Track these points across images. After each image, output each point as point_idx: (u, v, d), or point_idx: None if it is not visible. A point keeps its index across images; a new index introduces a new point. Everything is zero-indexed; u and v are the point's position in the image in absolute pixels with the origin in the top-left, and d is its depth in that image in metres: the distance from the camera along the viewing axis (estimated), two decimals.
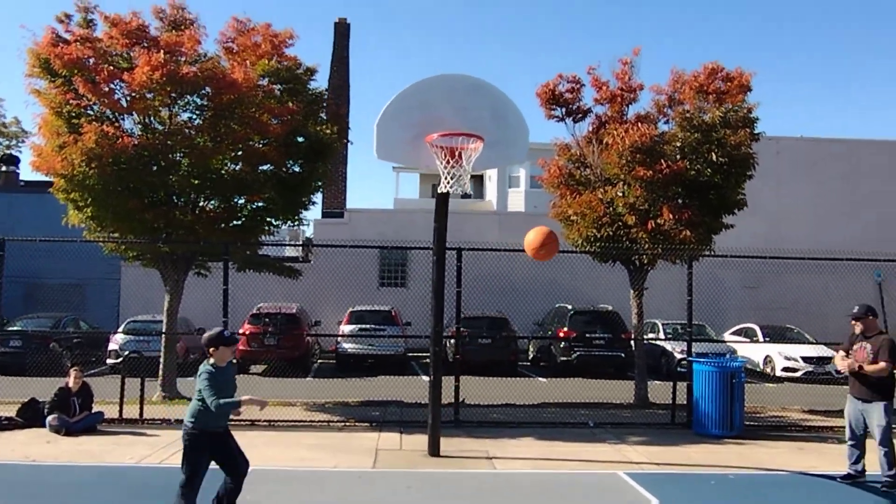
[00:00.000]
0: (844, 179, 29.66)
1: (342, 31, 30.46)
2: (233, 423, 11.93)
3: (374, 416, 13.10)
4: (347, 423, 12.37)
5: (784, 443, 11.65)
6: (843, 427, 12.80)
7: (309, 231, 35.90)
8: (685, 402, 12.95)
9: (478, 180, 50.56)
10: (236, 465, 6.84)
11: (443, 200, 10.07)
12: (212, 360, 6.63)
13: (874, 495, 8.70)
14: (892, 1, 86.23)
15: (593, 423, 12.71)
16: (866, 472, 9.17)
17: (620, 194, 14.41)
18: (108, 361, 19.55)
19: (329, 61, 29.95)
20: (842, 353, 9.29)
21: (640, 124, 14.56)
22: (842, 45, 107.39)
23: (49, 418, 11.19)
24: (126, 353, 19.00)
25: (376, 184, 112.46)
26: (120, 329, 20.72)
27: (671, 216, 13.95)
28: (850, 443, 9.23)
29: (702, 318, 25.15)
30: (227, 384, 6.61)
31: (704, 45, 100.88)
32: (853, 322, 9.09)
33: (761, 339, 22.82)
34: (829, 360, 21.79)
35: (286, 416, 12.74)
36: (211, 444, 6.67)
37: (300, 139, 14.31)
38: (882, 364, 8.72)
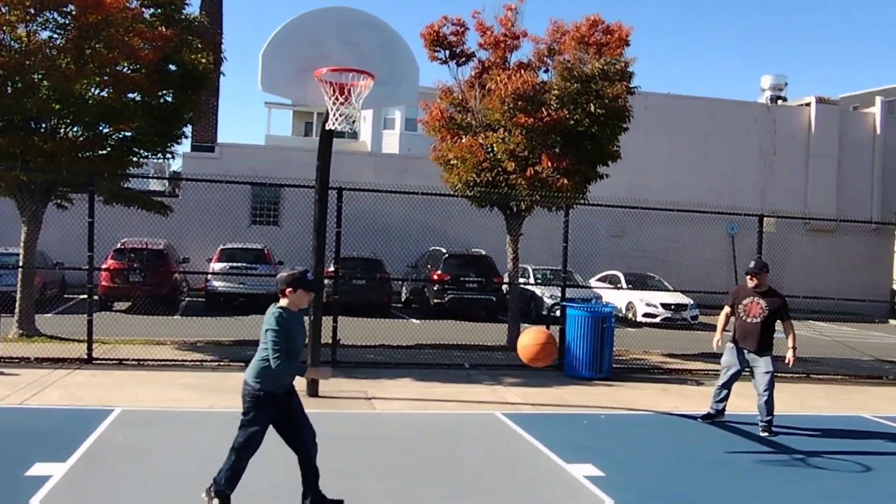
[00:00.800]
0: (702, 136, 31.07)
1: None
2: (98, 361, 11.58)
3: (248, 356, 12.76)
4: (221, 363, 12.09)
5: (648, 384, 12.27)
6: (701, 370, 13.72)
7: (176, 165, 34.50)
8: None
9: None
10: (300, 433, 5.93)
11: (327, 138, 9.83)
12: (283, 303, 5.68)
13: (730, 433, 9.29)
14: None
15: (469, 365, 12.97)
16: (725, 413, 9.72)
17: (501, 140, 14.51)
18: None
19: None
20: (727, 309, 9.65)
21: (522, 71, 14.66)
22: (706, 5, 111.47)
23: None
24: None
25: (247, 119, 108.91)
26: None
27: (550, 164, 14.20)
28: (722, 387, 9.58)
29: (570, 264, 26.08)
30: (298, 334, 5.81)
31: None
32: (749, 276, 9.31)
33: (624, 285, 23.80)
34: (685, 307, 23.07)
35: (156, 355, 12.33)
36: (276, 405, 5.82)
37: (173, 67, 13.61)
38: (791, 336, 9.22)
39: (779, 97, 33.72)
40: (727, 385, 9.62)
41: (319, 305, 10.33)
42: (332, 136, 9.67)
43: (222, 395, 9.95)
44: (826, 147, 31.79)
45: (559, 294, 22.21)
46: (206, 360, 12.22)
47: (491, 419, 9.48)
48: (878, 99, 32.92)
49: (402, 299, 24.69)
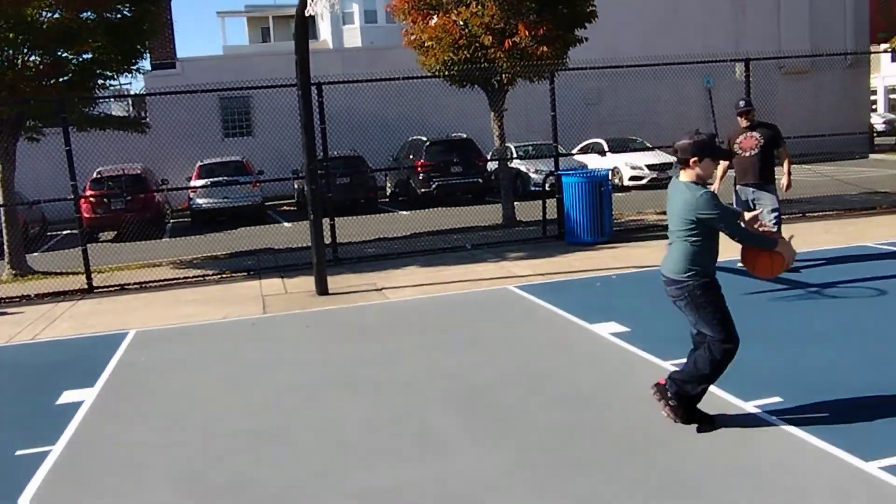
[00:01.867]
0: None
1: None
2: (99, 289, 11.44)
3: (248, 266, 12.74)
4: (224, 276, 11.98)
5: (651, 242, 12.30)
6: None
7: (136, 86, 33.47)
8: (552, 217, 13.35)
9: (310, 21, 48.40)
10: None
11: (303, 28, 9.45)
12: (688, 177, 4.86)
13: (742, 276, 9.31)
14: None
15: (471, 245, 12.92)
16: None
17: (475, 14, 14.04)
18: None
19: None
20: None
21: None
22: None
23: None
24: None
25: (200, 32, 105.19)
26: None
27: (527, 32, 13.82)
28: None
29: (548, 137, 25.85)
30: None
31: None
32: (740, 115, 9.41)
33: (607, 151, 23.63)
34: (669, 165, 22.96)
35: (156, 276, 12.17)
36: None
37: None
38: (787, 161, 9.47)
39: None
40: None
41: (318, 203, 10.14)
42: (306, 26, 9.29)
43: (233, 305, 9.89)
44: None
45: (543, 168, 22.29)
46: (207, 275, 12.10)
47: (506, 293, 9.49)
48: None
49: (388, 193, 24.50)
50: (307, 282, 10.60)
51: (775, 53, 28.24)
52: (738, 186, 9.53)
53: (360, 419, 5.57)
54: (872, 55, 33.83)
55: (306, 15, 8.62)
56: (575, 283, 9.83)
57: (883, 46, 28.28)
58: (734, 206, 9.60)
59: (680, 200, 4.82)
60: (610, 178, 22.68)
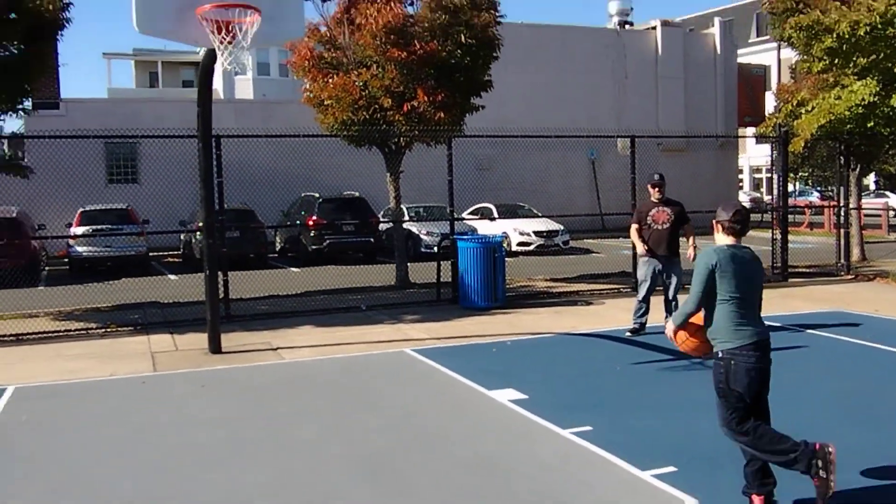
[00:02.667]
0: (558, 64, 31.67)
1: None
2: None
3: (135, 320, 12.29)
4: (109, 329, 11.49)
5: (542, 308, 12.64)
6: (586, 291, 14.24)
7: (14, 125, 31.97)
8: (446, 280, 13.53)
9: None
10: None
11: (206, 81, 9.36)
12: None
13: (629, 345, 9.71)
14: None
15: (366, 307, 12.91)
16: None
17: (375, 76, 14.27)
18: None
19: None
20: (636, 225, 10.12)
21: (391, 4, 14.38)
22: None
23: None
24: None
25: (84, 72, 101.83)
26: None
27: (426, 98, 14.12)
28: (642, 301, 10.16)
29: (442, 199, 26.27)
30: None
31: None
32: (654, 188, 9.99)
33: (497, 216, 24.17)
34: (556, 232, 23.76)
35: (34, 327, 11.54)
36: None
37: (14, 16, 12.50)
38: (692, 237, 9.99)
39: (626, 22, 34.72)
40: (646, 298, 10.11)
41: (214, 258, 9.95)
42: (211, 79, 9.22)
43: (120, 361, 9.50)
44: (673, 69, 33.15)
45: (435, 231, 22.59)
46: (90, 329, 11.58)
47: (402, 356, 9.51)
48: (717, 20, 34.54)
49: (277, 248, 24.20)
50: (199, 339, 10.32)
51: (654, 130, 29.89)
52: (646, 257, 9.96)
53: (260, 483, 5.45)
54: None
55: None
56: (471, 347, 9.97)
57: (750, 130, 30.37)
58: (640, 271, 10.12)
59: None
60: None
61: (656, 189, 10.02)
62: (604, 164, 31.32)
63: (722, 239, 4.85)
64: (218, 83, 42.67)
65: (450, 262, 13.50)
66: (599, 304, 13.11)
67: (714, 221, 4.90)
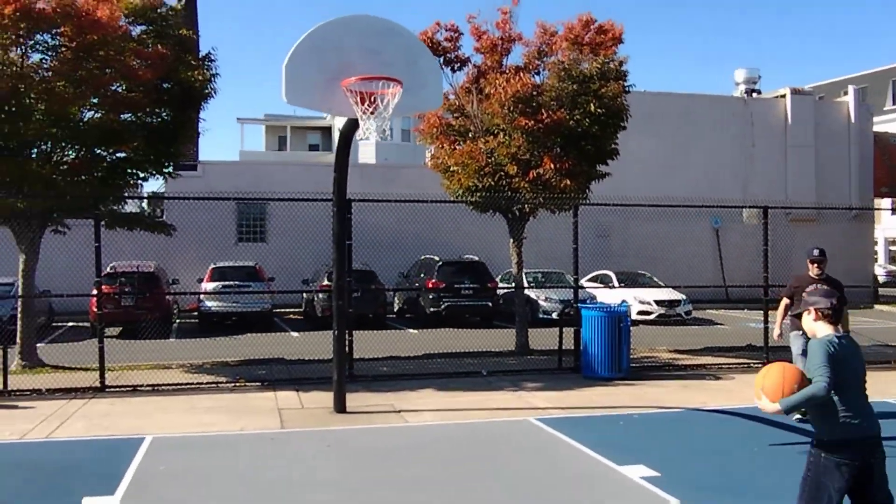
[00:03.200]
0: (681, 132, 31.24)
1: None
2: (112, 388, 11.29)
3: (262, 375, 12.63)
4: (238, 384, 11.83)
5: (668, 381, 12.24)
6: (713, 364, 13.74)
7: (154, 185, 33.87)
8: (567, 348, 13.32)
9: (326, 133, 49.69)
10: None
11: (344, 149, 9.70)
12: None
13: (764, 424, 9.24)
14: None
15: (486, 372, 12.84)
16: None
17: (502, 144, 14.43)
18: None
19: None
20: (786, 300, 9.67)
21: (520, 74, 14.60)
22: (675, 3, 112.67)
23: None
24: None
25: (218, 135, 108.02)
26: None
27: (552, 165, 14.16)
28: None
29: (559, 266, 26.09)
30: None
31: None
32: (812, 264, 9.41)
33: (616, 284, 23.81)
34: (678, 302, 23.15)
35: (168, 379, 12.03)
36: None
37: (168, 85, 13.35)
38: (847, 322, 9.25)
39: (753, 90, 34.01)
40: None
41: (343, 319, 10.13)
42: (349, 147, 9.54)
43: (249, 416, 9.74)
44: (803, 137, 32.13)
45: (554, 297, 22.43)
46: (220, 382, 11.96)
47: (526, 425, 9.36)
48: (851, 87, 33.40)
49: (395, 309, 24.51)
50: (324, 397, 10.48)
51: (782, 200, 29.01)
52: (799, 331, 9.34)
53: None
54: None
55: (343, 138, 8.83)
56: (597, 419, 9.72)
57: (887, 202, 28.95)
58: (794, 346, 9.54)
59: None
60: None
61: (816, 265, 9.38)
62: (728, 232, 30.49)
63: (822, 328, 4.49)
64: None
65: (572, 329, 13.31)
66: (728, 378, 12.59)
67: (811, 308, 4.55)
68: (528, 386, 11.82)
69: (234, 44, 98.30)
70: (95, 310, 18.05)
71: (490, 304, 21.77)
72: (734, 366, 13.63)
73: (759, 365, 13.52)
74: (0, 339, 11.63)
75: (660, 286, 23.47)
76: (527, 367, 13.49)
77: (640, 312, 22.83)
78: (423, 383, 11.99)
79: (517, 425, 9.37)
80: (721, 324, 22.81)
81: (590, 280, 25.35)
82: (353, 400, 10.47)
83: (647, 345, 16.34)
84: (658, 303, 22.85)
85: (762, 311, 14.50)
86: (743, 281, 26.08)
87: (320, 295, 20.66)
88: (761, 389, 4.39)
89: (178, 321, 22.31)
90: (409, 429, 9.27)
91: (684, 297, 23.15)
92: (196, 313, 21.76)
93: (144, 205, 26.84)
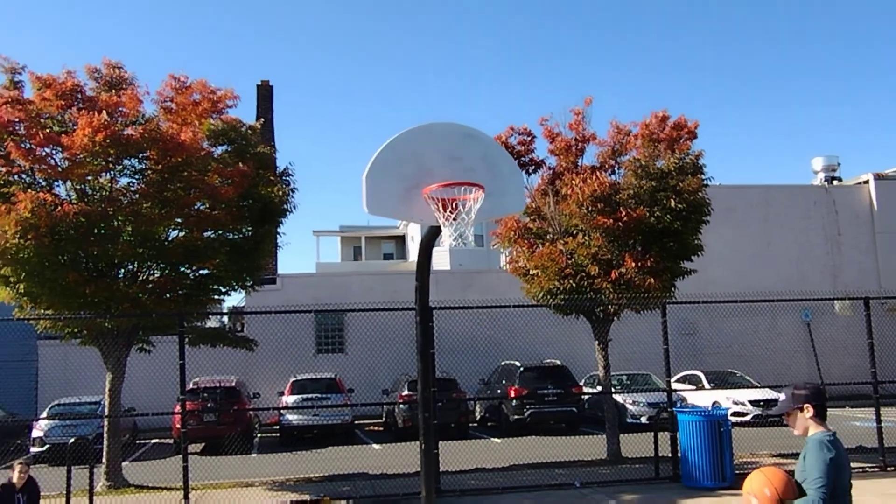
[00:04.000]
0: (763, 224, 30.52)
1: (264, 94, 29.89)
2: None
3: (345, 492, 12.25)
4: (322, 502, 11.46)
5: None
6: None
7: (233, 300, 34.61)
8: (662, 454, 12.61)
9: (400, 241, 50.28)
10: None
11: (426, 257, 9.57)
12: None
13: None
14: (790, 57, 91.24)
15: (579, 483, 12.19)
16: None
17: (582, 245, 14.17)
18: (33, 450, 17.95)
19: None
20: None
21: (597, 173, 14.46)
22: (749, 97, 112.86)
23: None
24: (52, 440, 17.62)
25: (294, 248, 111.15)
26: (44, 414, 19.14)
27: (634, 264, 13.79)
28: None
29: (645, 367, 25.26)
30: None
31: (629, 96, 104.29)
32: None
33: (706, 385, 22.84)
34: (774, 402, 21.96)
35: (251, 498, 11.76)
36: None
37: (248, 202, 13.62)
38: None
39: (833, 178, 33.22)
40: None
41: (431, 433, 9.76)
42: (430, 254, 9.40)
43: None
44: (891, 223, 30.97)
45: (642, 400, 21.58)
46: (304, 501, 11.61)
47: None
48: None
49: (477, 417, 23.91)
50: None
51: (875, 289, 27.76)
52: None
53: None
54: None
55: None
56: None
57: None
58: None
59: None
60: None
61: None
62: (820, 326, 29.20)
63: (814, 425, 4.39)
64: (415, 255, 44.65)
65: (665, 434, 12.62)
66: None
67: (806, 405, 4.40)
68: (626, 498, 11.14)
69: (306, 156, 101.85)
70: (179, 426, 18.17)
71: (575, 409, 21.04)
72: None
73: (876, 468, 12.56)
74: (86, 459, 11.58)
75: (753, 385, 22.40)
76: (622, 476, 12.77)
77: (735, 413, 21.70)
78: (513, 498, 11.44)
79: None
80: None
81: (678, 381, 24.41)
82: None
83: (747, 449, 15.40)
84: (753, 403, 21.73)
85: (872, 409, 13.57)
86: (840, 377, 24.79)
87: (401, 405, 20.32)
88: (750, 494, 4.26)
89: (259, 435, 22.16)
90: None
91: (781, 395, 21.92)
92: (277, 427, 21.58)
93: (225, 319, 27.36)
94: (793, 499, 4.19)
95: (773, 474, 4.27)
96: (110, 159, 12.41)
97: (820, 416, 4.41)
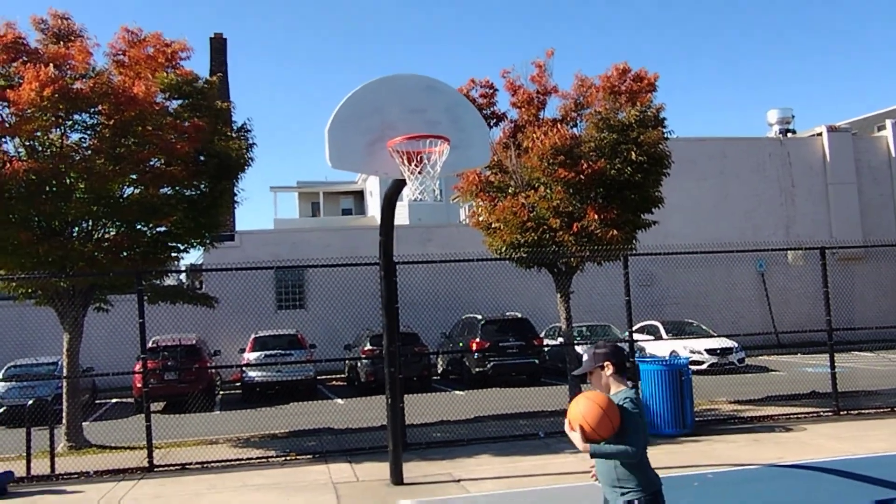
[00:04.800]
0: (719, 176, 30.84)
1: (218, 48, 29.19)
2: (160, 468, 10.98)
3: (311, 447, 12.27)
4: (288, 458, 11.48)
5: (736, 436, 11.66)
6: (780, 415, 13.10)
7: (190, 258, 34.06)
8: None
9: (358, 196, 49.92)
10: None
11: (389, 211, 9.48)
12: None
13: (855, 480, 8.68)
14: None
15: (543, 434, 12.36)
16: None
17: (544, 198, 14.15)
18: None
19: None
20: None
21: (558, 125, 14.39)
22: (712, 48, 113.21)
23: None
24: (9, 402, 17.33)
25: (251, 204, 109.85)
26: None
27: (597, 216, 13.83)
28: None
29: (603, 318, 25.57)
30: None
31: (591, 49, 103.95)
32: None
33: (664, 335, 23.21)
34: (730, 350, 22.45)
35: (216, 455, 11.72)
36: None
37: (205, 157, 13.33)
38: None
39: (787, 130, 33.62)
40: None
41: (396, 387, 9.78)
42: (394, 209, 9.32)
43: (304, 493, 9.37)
44: (843, 174, 31.54)
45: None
46: (270, 457, 11.61)
47: (594, 490, 8.83)
48: (888, 122, 32.81)
49: (440, 371, 24.07)
50: (378, 468, 10.09)
51: (827, 239, 28.27)
52: None
53: None
54: None
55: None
56: (668, 481, 8.97)
57: None
58: None
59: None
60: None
61: None
62: (774, 276, 29.77)
63: (616, 383, 4.54)
64: (375, 209, 44.36)
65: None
66: (800, 430, 11.96)
67: (607, 363, 4.55)
68: None
69: (261, 111, 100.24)
70: (140, 386, 17.99)
71: (537, 361, 21.27)
72: (803, 415, 12.99)
73: (830, 413, 12.93)
74: (45, 420, 11.42)
75: (709, 334, 22.83)
76: None
77: (692, 363, 22.10)
78: (478, 449, 11.55)
79: (585, 491, 8.83)
80: (776, 370, 22.05)
81: (636, 331, 24.74)
82: (410, 470, 10.05)
83: (705, 396, 15.74)
84: (709, 352, 22.21)
85: (824, 356, 13.91)
86: (792, 324, 25.34)
87: (364, 360, 20.35)
88: (574, 420, 4.40)
89: (221, 393, 22.06)
90: (472, 499, 8.83)
91: (736, 344, 22.47)
92: (239, 384, 21.50)
93: (182, 277, 26.99)
94: (607, 436, 4.36)
95: (588, 411, 4.36)
96: (60, 114, 12.01)
97: (620, 373, 4.55)
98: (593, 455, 4.44)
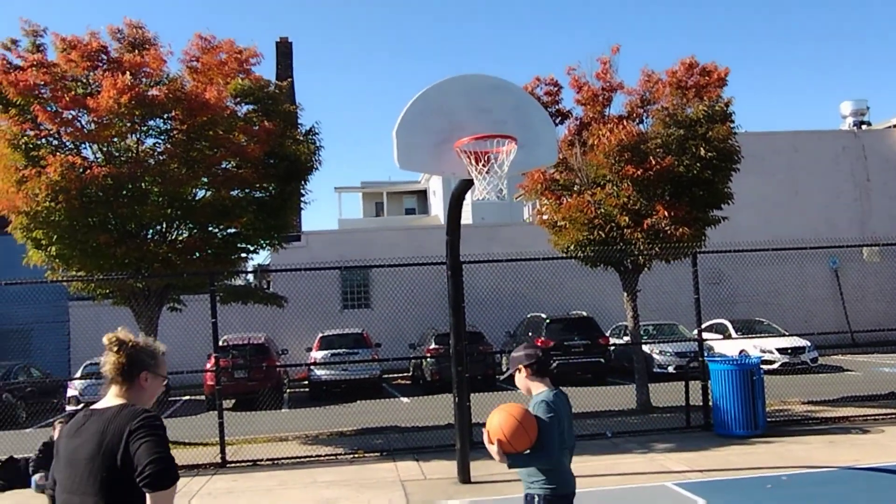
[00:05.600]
0: (790, 171, 30.09)
1: (284, 52, 29.68)
2: (232, 464, 11.24)
3: (378, 445, 12.40)
4: (356, 455, 11.63)
5: (811, 437, 11.37)
6: (857, 416, 12.74)
7: (257, 259, 34.77)
8: (695, 404, 12.62)
9: (421, 196, 50.18)
10: None
11: (456, 210, 9.53)
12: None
13: None
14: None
15: (611, 433, 12.26)
16: None
17: (611, 195, 14.03)
18: (69, 408, 18.29)
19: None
20: None
21: (624, 122, 14.26)
22: (774, 39, 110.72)
23: (36, 477, 10.06)
24: (87, 398, 17.94)
25: (316, 205, 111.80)
26: (78, 373, 19.46)
27: (666, 213, 13.65)
28: None
29: (671, 317, 25.20)
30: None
31: (657, 43, 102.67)
32: None
33: (733, 333, 22.77)
34: (802, 349, 21.89)
35: (287, 452, 11.93)
36: None
37: (274, 160, 13.58)
38: None
39: (862, 122, 32.60)
40: None
41: (464, 386, 9.83)
42: (461, 208, 9.36)
43: (373, 489, 9.48)
44: None
45: (669, 350, 21.58)
46: (339, 454, 11.78)
47: (664, 491, 8.77)
48: None
49: (504, 370, 24.02)
50: (446, 467, 10.15)
51: None
52: None
53: None
54: None
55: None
56: (741, 482, 9.02)
57: None
58: None
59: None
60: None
61: None
62: (847, 273, 28.94)
63: (536, 385, 4.48)
64: (438, 209, 44.51)
65: (697, 384, 12.61)
66: (878, 432, 11.61)
67: (523, 365, 4.49)
68: (658, 447, 11.18)
69: (325, 112, 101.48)
70: (211, 383, 18.42)
71: (602, 360, 21.08)
72: (881, 417, 12.60)
73: None
74: None
75: (780, 333, 22.30)
76: (653, 426, 12.82)
77: (763, 362, 21.65)
78: None
79: (655, 491, 8.79)
80: (851, 370, 21.42)
81: (704, 330, 24.33)
82: (476, 469, 10.07)
83: (777, 397, 15.40)
84: (781, 351, 21.67)
85: None
86: (868, 323, 24.61)
87: (429, 359, 20.46)
88: (492, 433, 4.31)
89: (288, 391, 22.43)
90: None
91: (809, 343, 21.90)
92: (306, 382, 21.83)
93: (250, 278, 27.52)
94: (524, 449, 4.28)
95: (506, 423, 4.27)
96: (136, 120, 12.38)
97: (538, 375, 4.48)
98: (511, 467, 4.36)
